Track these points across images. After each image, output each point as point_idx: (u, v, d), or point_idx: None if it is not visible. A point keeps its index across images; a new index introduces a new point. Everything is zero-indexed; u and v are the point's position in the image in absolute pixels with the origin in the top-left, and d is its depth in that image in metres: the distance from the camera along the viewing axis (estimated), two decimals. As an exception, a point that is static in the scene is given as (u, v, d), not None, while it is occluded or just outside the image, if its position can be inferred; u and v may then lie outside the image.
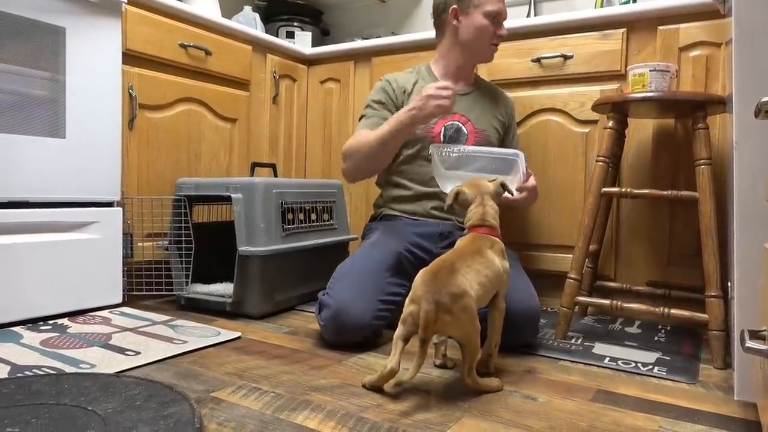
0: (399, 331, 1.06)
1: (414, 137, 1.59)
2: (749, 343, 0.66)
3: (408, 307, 1.05)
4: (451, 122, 1.62)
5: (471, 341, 1.04)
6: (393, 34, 2.83)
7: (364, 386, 1.09)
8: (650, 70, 1.46)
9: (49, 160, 1.52)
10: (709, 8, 1.62)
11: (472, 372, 1.06)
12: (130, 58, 1.77)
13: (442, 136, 1.61)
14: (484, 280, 1.09)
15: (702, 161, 1.36)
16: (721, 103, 1.37)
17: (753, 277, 1.01)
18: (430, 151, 1.49)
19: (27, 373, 1.06)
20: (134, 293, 1.78)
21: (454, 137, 1.61)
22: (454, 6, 1.59)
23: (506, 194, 1.27)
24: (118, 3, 1.65)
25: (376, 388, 1.08)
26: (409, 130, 1.48)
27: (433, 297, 1.00)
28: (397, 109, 1.61)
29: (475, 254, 1.11)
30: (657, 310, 1.36)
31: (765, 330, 0.71)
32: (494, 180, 1.26)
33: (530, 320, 1.34)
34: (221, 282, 1.84)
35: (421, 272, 1.08)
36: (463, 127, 1.62)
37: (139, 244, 1.79)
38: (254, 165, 1.91)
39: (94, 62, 1.61)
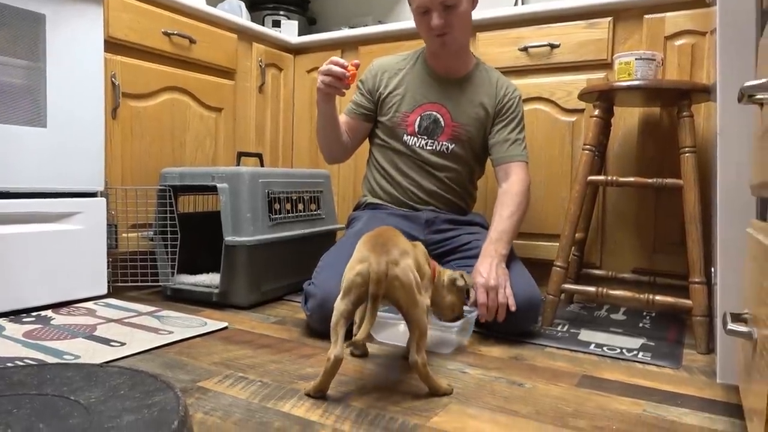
0: (342, 306, 0.98)
1: (390, 124, 1.59)
2: (731, 326, 0.67)
3: (355, 268, 0.97)
4: (429, 112, 1.58)
5: (418, 308, 0.98)
6: (380, 22, 2.81)
7: (308, 395, 0.98)
8: (636, 59, 1.46)
9: (30, 150, 1.49)
10: (694, -3, 1.63)
11: (422, 352, 0.97)
12: (112, 45, 1.74)
13: (417, 126, 1.58)
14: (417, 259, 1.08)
15: (687, 149, 1.37)
16: (706, 92, 1.38)
17: (736, 263, 1.02)
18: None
19: (9, 365, 1.05)
20: (119, 284, 1.77)
21: (430, 128, 1.57)
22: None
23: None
24: (100, -11, 1.62)
25: (321, 391, 0.98)
26: (322, 106, 1.49)
27: (383, 252, 0.96)
28: (371, 93, 1.63)
29: (401, 236, 1.10)
30: (642, 296, 1.37)
31: (747, 313, 0.72)
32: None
33: (531, 308, 1.35)
34: (207, 272, 1.82)
35: (361, 239, 1.04)
36: (441, 119, 1.57)
37: (124, 234, 1.77)
38: (240, 155, 1.89)
39: (75, 50, 1.58)
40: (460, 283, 1.23)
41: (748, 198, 1.01)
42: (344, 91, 1.41)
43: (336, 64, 1.36)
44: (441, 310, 1.25)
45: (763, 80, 0.62)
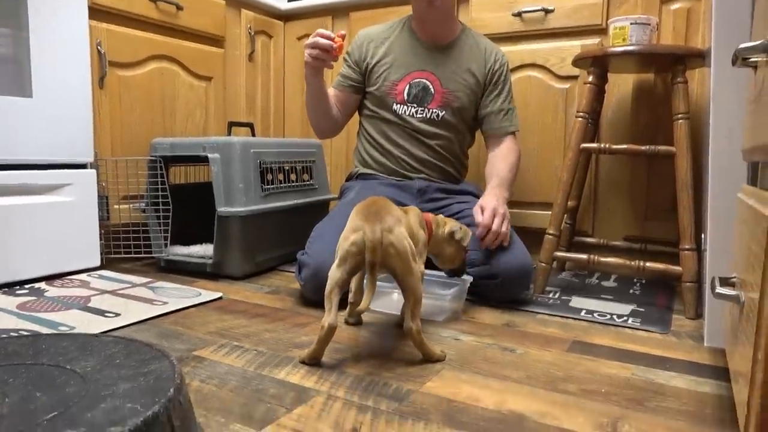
0: (337, 275, 0.98)
1: (378, 93, 1.58)
2: (720, 290, 0.68)
3: (349, 238, 0.97)
4: (418, 80, 1.57)
5: (413, 276, 0.99)
6: (372, -12, 2.75)
7: (303, 362, 1.00)
8: (631, 23, 1.44)
9: (16, 120, 1.47)
10: (691, -41, 1.60)
11: (417, 319, 0.99)
12: (97, 12, 1.69)
13: (406, 94, 1.57)
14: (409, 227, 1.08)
15: (680, 115, 1.37)
16: (701, 56, 1.37)
17: (726, 229, 1.03)
18: None
19: (3, 336, 1.05)
20: (113, 256, 1.76)
21: (420, 96, 1.56)
22: None
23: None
24: (81, -47, 1.57)
25: (315, 359, 0.99)
26: (310, 80, 1.49)
27: (376, 220, 0.97)
28: (358, 65, 1.62)
29: (393, 204, 1.09)
30: (632, 263, 1.39)
31: (735, 277, 0.73)
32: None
33: (523, 276, 1.36)
34: (201, 243, 1.82)
35: (354, 209, 1.04)
36: (431, 86, 1.56)
37: (116, 206, 1.76)
38: (231, 124, 1.87)
39: (58, 17, 1.53)
40: (458, 236, 1.24)
41: (739, 164, 1.01)
42: (332, 63, 1.39)
43: (322, 36, 1.35)
44: (441, 261, 1.28)
45: (758, 42, 0.62)
